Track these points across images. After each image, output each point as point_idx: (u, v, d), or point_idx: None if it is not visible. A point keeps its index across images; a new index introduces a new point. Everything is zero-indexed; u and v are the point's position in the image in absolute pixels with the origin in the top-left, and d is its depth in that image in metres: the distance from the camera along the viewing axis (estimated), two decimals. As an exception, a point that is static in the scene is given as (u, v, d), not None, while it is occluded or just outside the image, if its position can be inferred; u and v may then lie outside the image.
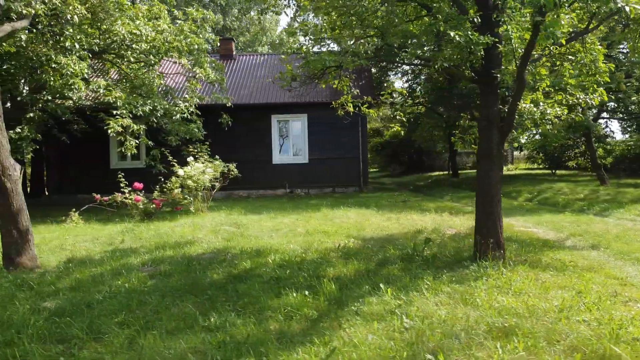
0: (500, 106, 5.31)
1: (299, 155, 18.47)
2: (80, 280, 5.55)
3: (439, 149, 32.27)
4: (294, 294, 4.45)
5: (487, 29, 4.87)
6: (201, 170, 10.97)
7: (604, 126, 22.13)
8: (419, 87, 23.42)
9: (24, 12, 8.26)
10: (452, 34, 4.32)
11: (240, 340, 3.43)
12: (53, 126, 14.57)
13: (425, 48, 7.55)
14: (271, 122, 18.32)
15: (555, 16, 4.17)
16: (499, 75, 5.09)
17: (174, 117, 14.13)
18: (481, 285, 4.52)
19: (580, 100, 5.66)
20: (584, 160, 22.49)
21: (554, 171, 22.59)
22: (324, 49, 15.30)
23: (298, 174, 18.26)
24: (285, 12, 12.83)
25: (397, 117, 11.66)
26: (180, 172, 10.81)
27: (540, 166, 30.69)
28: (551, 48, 5.50)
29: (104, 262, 6.41)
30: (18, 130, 12.70)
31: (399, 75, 24.72)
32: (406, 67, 23.70)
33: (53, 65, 11.80)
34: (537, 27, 4.46)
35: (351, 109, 7.36)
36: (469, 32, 4.49)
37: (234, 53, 22.07)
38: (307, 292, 4.48)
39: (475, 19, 4.68)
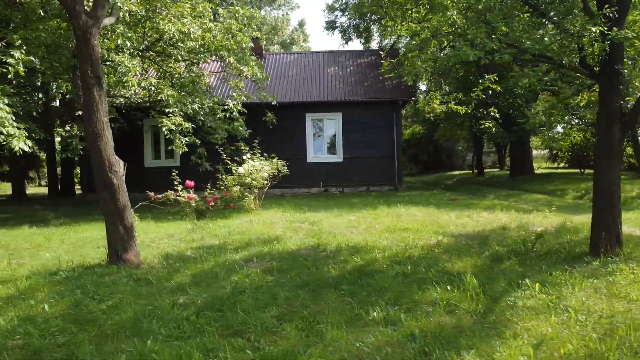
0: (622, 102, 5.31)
1: (333, 153, 18.47)
2: (195, 276, 5.56)
3: (460, 148, 32.37)
4: (437, 289, 4.46)
5: (615, 23, 4.89)
6: (259, 168, 10.98)
7: None
8: (446, 87, 23.40)
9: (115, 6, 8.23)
10: (593, 29, 4.34)
11: (427, 333, 3.44)
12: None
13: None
14: (305, 121, 18.32)
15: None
16: (624, 70, 5.11)
17: (217, 116, 14.15)
18: (621, 280, 4.53)
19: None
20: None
21: (582, 170, 22.58)
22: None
23: (332, 172, 18.26)
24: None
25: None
26: (241, 169, 10.82)
27: (561, 165, 30.72)
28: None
29: (203, 259, 6.41)
30: (68, 128, 12.72)
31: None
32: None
33: (107, 63, 11.82)
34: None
35: (437, 106, 7.29)
36: (604, 28, 4.50)
37: (263, 52, 22.07)
38: (448, 287, 4.49)
39: (611, 14, 4.69)
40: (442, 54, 6.20)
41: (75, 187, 22.14)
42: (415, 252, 6.04)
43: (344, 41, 25.15)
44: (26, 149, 9.67)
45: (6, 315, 4.43)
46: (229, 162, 12.07)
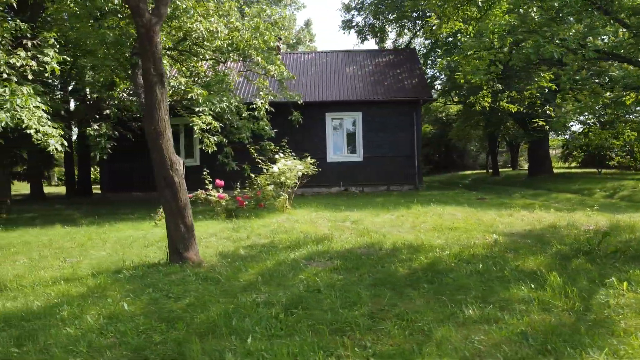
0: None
1: (353, 153, 18.45)
2: (262, 274, 5.53)
3: (472, 147, 32.36)
4: (521, 287, 4.45)
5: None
6: (292, 167, 10.96)
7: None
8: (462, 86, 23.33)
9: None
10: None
11: (538, 331, 3.42)
12: (118, 123, 14.58)
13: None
14: (325, 120, 18.30)
15: None
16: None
17: (242, 115, 14.13)
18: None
19: None
20: (628, 159, 22.49)
21: (600, 170, 22.57)
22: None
23: (352, 172, 18.24)
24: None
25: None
26: (275, 168, 10.80)
27: (572, 165, 30.74)
28: None
29: (260, 257, 6.39)
30: (96, 127, 12.69)
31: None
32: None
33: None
34: None
35: (487, 105, 7.29)
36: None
37: (281, 51, 22.03)
38: (532, 285, 4.47)
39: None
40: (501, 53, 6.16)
41: (92, 187, 22.12)
42: (477, 251, 6.02)
43: (360, 40, 25.14)
44: (59, 148, 9.66)
45: (89, 313, 4.40)
46: (259, 161, 12.05)
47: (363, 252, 6.36)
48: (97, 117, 14.35)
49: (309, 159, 11.64)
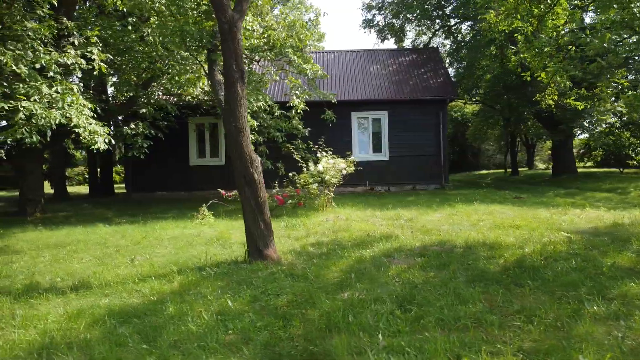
0: None
1: (379, 152, 18.42)
2: (346, 271, 5.50)
3: (487, 147, 32.31)
4: (631, 284, 4.42)
5: None
6: (333, 165, 10.94)
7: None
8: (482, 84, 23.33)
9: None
10: None
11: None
12: (152, 123, 14.56)
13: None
14: (351, 119, 18.28)
15: None
16: None
17: (275, 114, 14.12)
18: None
19: None
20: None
21: (621, 169, 22.54)
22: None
23: (378, 171, 18.21)
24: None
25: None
26: (319, 166, 10.77)
27: (588, 164, 30.73)
28: None
29: (334, 255, 6.36)
30: (132, 126, 12.67)
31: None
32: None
33: (178, 59, 11.79)
34: None
35: (552, 101, 7.24)
36: None
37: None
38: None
39: None
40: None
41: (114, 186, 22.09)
42: (557, 249, 5.99)
43: (380, 40, 25.12)
44: (103, 147, 9.63)
45: (196, 309, 4.38)
46: (299, 159, 12.06)
47: (438, 250, 6.33)
48: (131, 116, 14.35)
49: (352, 157, 11.61)
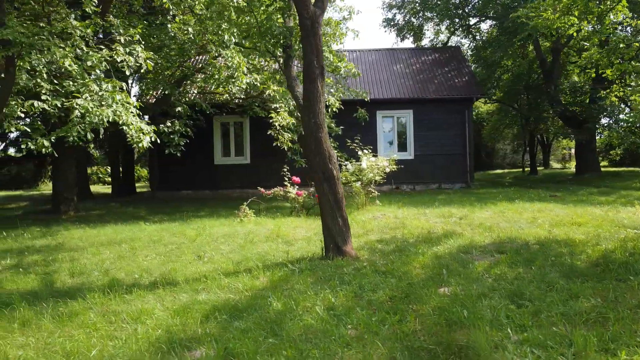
0: None
1: (404, 150, 18.39)
2: (429, 267, 5.49)
3: (502, 146, 32.31)
4: None
5: None
6: (375, 163, 10.93)
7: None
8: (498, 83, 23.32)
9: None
10: None
11: None
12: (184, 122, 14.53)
13: None
14: (376, 118, 18.26)
15: None
16: None
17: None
18: None
19: None
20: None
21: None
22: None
23: (403, 169, 18.10)
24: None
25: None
26: (363, 164, 10.76)
27: (604, 163, 30.73)
28: None
29: (407, 251, 6.35)
30: (169, 124, 12.65)
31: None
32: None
33: (217, 57, 11.78)
34: None
35: (616, 99, 7.22)
36: None
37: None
38: None
39: None
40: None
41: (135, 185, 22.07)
42: (638, 245, 5.97)
43: (399, 39, 25.13)
44: (147, 145, 9.61)
45: (303, 304, 4.37)
46: (339, 158, 12.06)
47: (514, 247, 6.31)
48: (162, 114, 14.33)
49: (395, 155, 11.61)
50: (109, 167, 25.26)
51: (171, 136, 12.53)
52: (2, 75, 8.42)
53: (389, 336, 3.68)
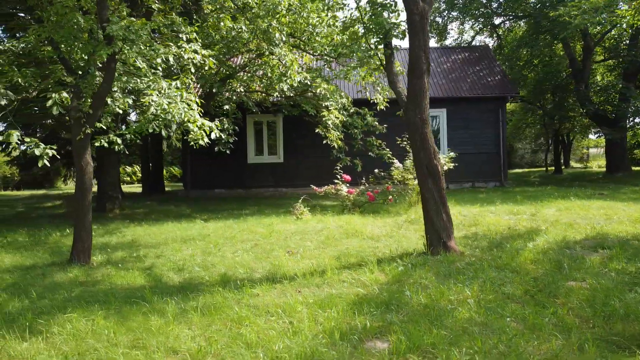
0: None
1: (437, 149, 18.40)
2: (541, 263, 5.50)
3: (519, 145, 32.34)
4: None
5: None
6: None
7: None
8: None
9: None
10: None
11: None
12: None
13: None
14: (410, 117, 18.26)
15: None
16: None
17: (350, 110, 14.10)
18: None
19: None
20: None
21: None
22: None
23: (436, 168, 18.23)
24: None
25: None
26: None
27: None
28: None
29: (502, 246, 6.36)
30: (217, 122, 12.64)
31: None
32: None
33: (270, 56, 11.79)
34: None
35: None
36: None
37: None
38: None
39: None
40: None
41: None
42: None
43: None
44: (203, 143, 9.60)
45: (447, 298, 4.38)
46: (389, 156, 12.12)
47: (611, 243, 6.31)
48: (206, 112, 14.33)
49: (452, 153, 11.62)
50: (138, 167, 25.27)
51: (221, 134, 12.55)
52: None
53: (553, 328, 3.69)
